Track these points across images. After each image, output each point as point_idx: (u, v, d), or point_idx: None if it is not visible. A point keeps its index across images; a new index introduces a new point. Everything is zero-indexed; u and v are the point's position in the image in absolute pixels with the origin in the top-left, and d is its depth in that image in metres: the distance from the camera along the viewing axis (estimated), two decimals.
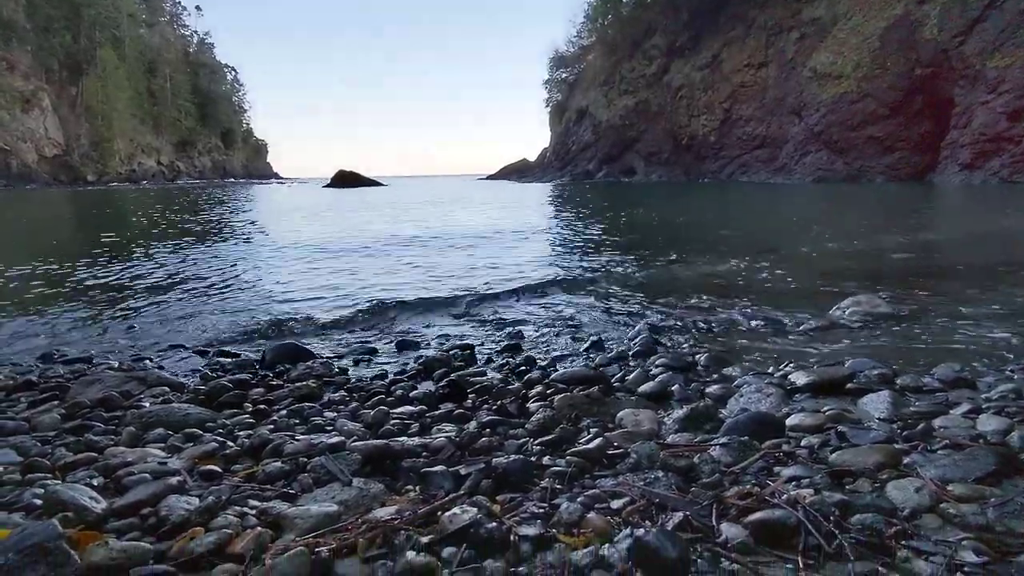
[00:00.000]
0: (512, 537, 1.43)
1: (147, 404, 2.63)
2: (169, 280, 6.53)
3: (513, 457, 1.90)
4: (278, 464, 1.93)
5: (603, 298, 5.32)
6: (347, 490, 1.73)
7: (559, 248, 9.70)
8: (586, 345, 3.70)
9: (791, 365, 3.03)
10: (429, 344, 3.91)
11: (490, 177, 74.94)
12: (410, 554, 1.37)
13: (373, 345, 3.88)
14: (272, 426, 2.38)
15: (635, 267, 7.07)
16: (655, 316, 4.50)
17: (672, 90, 50.07)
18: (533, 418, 2.33)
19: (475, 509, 1.53)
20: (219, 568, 1.35)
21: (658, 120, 51.15)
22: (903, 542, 1.39)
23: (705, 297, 5.08)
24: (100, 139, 64.06)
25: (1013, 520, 1.46)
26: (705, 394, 2.66)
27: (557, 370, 3.06)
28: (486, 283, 6.10)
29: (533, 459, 1.94)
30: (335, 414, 2.52)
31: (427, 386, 2.89)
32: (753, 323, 4.13)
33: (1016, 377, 2.77)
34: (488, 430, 2.25)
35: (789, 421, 2.23)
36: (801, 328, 3.94)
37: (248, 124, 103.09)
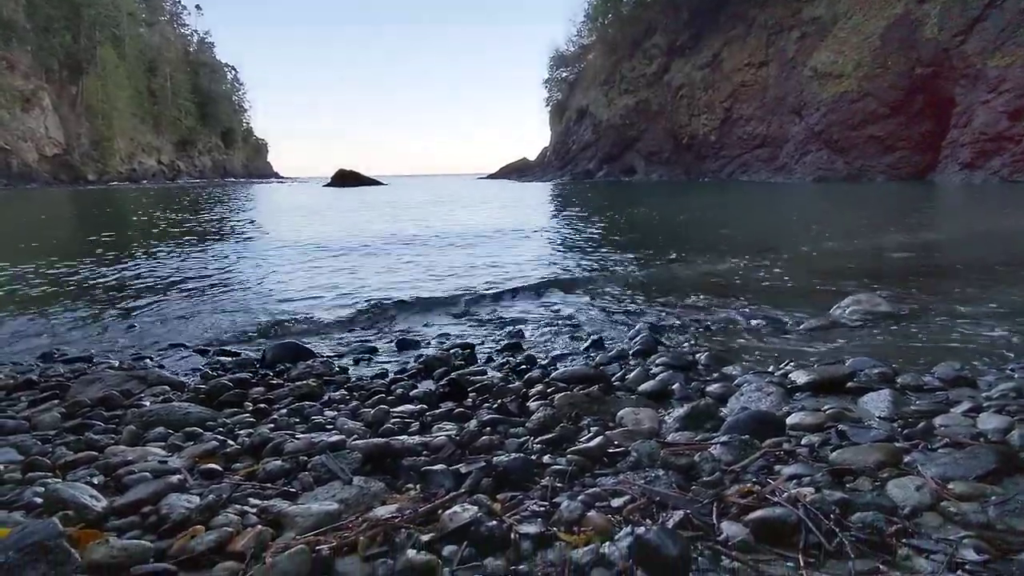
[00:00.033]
0: (513, 535, 1.43)
1: (147, 403, 2.63)
2: (169, 279, 6.53)
3: (514, 455, 1.90)
4: (278, 462, 1.93)
5: (603, 297, 5.32)
6: (348, 488, 1.73)
7: (559, 247, 9.70)
8: (586, 344, 3.70)
9: (791, 364, 3.03)
10: (429, 343, 3.91)
11: (490, 176, 74.97)
12: (411, 552, 1.37)
13: (373, 344, 3.88)
14: (272, 425, 2.38)
15: (635, 266, 7.07)
16: (655, 315, 4.50)
17: (672, 89, 50.06)
18: (533, 417, 2.33)
19: (476, 507, 1.53)
20: (220, 566, 1.35)
21: (658, 119, 51.15)
22: (904, 540, 1.39)
23: (705, 296, 5.07)
24: (100, 138, 64.06)
25: (1014, 518, 1.46)
26: (705, 393, 2.66)
27: (557, 369, 3.06)
28: (486, 282, 6.10)
29: (534, 457, 1.94)
30: (335, 413, 2.52)
31: (427, 385, 2.89)
32: (753, 322, 4.13)
33: (1016, 376, 2.77)
34: (488, 429, 2.25)
35: (790, 420, 2.23)
36: (801, 327, 3.94)
37: (248, 123, 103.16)
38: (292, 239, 10.67)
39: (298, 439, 2.12)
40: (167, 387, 2.89)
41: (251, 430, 2.30)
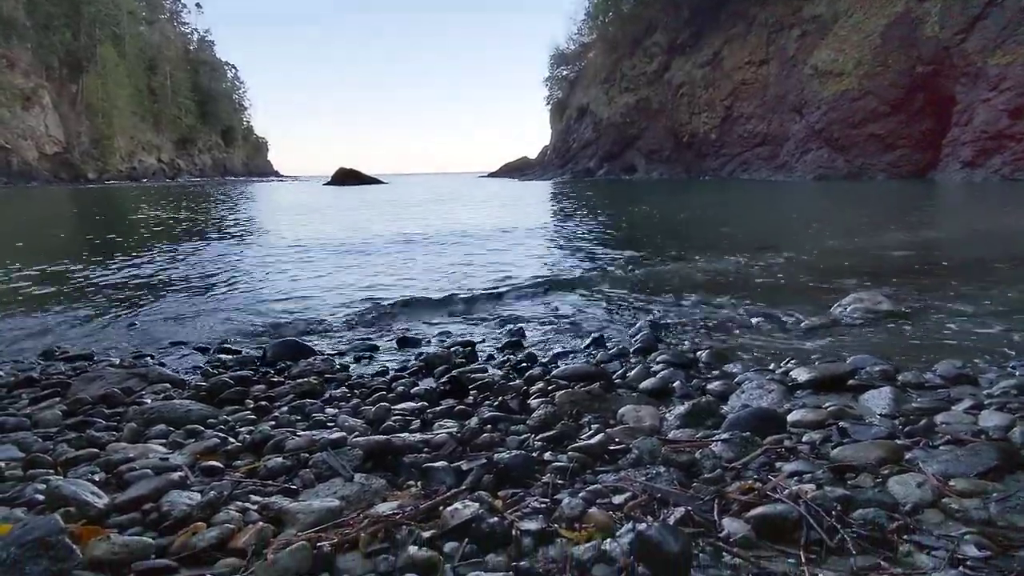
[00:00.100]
0: (514, 532, 1.43)
1: (148, 400, 2.63)
2: (169, 278, 6.53)
3: (515, 453, 1.90)
4: (279, 460, 1.93)
5: (604, 295, 5.32)
6: (349, 485, 1.73)
7: (560, 246, 9.70)
8: (587, 342, 3.70)
9: (792, 362, 3.03)
10: (430, 341, 3.91)
11: (491, 175, 74.97)
12: (412, 549, 1.37)
13: (374, 342, 3.88)
14: (273, 422, 2.38)
15: (636, 264, 7.06)
16: (656, 313, 4.50)
17: (673, 87, 50.03)
18: (534, 414, 2.33)
19: (477, 504, 1.53)
20: (221, 562, 1.36)
21: (659, 118, 51.12)
22: (905, 536, 1.39)
23: (706, 294, 5.07)
24: (100, 136, 64.09)
25: (1015, 515, 1.46)
26: (706, 390, 2.66)
27: (558, 367, 3.06)
28: (487, 281, 6.10)
29: (535, 455, 1.94)
30: (336, 410, 2.52)
31: (428, 383, 2.89)
32: (754, 320, 4.13)
33: (1018, 373, 2.77)
34: (489, 426, 2.25)
35: (791, 417, 2.23)
36: (802, 325, 3.94)
37: (248, 122, 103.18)
38: (292, 238, 10.67)
39: (299, 436, 2.12)
40: (168, 385, 2.89)
41: (252, 427, 2.30)
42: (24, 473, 1.86)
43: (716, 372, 3.00)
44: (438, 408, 2.50)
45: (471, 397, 2.66)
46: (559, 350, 3.56)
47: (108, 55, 66.24)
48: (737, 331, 3.90)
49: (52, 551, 1.25)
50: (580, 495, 1.61)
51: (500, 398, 2.58)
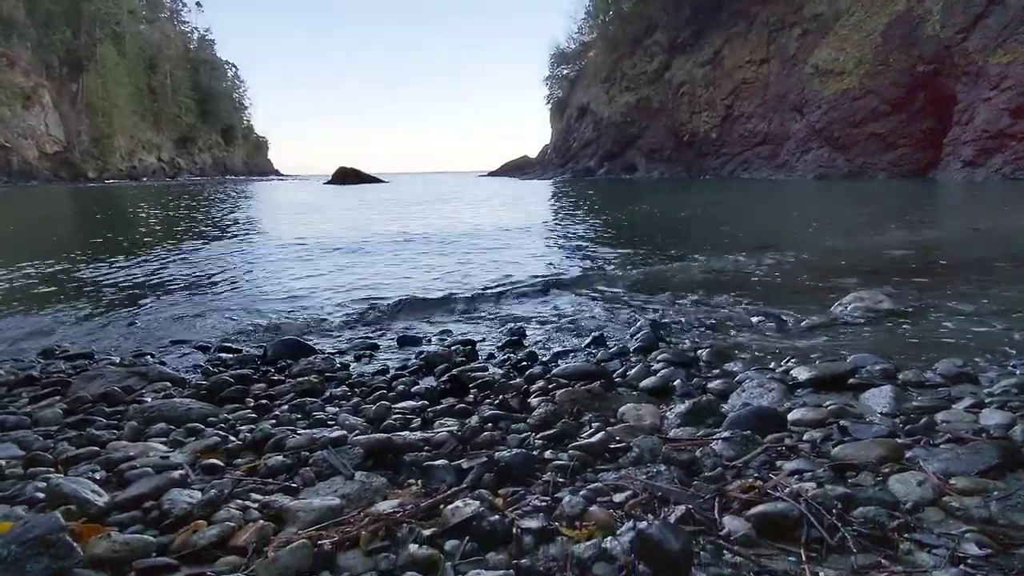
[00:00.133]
0: (515, 530, 1.43)
1: (149, 399, 2.63)
2: (169, 277, 6.53)
3: (515, 451, 1.90)
4: (280, 458, 1.93)
5: (604, 294, 5.32)
6: (349, 484, 1.73)
7: (560, 245, 9.69)
8: (587, 341, 3.70)
9: (793, 360, 3.03)
10: (430, 340, 3.91)
11: (491, 174, 74.90)
12: (413, 547, 1.37)
13: (374, 341, 3.88)
14: (274, 421, 2.38)
15: (636, 263, 7.06)
16: (656, 312, 4.49)
17: (673, 87, 50.01)
18: (535, 413, 2.33)
19: (477, 502, 1.53)
20: (222, 560, 1.36)
21: (659, 117, 51.10)
22: (906, 535, 1.39)
23: (706, 293, 5.07)
24: (101, 136, 64.09)
25: (1016, 513, 1.46)
26: (707, 389, 2.66)
27: (558, 365, 3.06)
28: (487, 280, 6.10)
29: (535, 453, 1.94)
30: (337, 409, 2.52)
31: (428, 381, 2.89)
32: (755, 319, 4.13)
33: (1018, 372, 2.77)
34: (490, 424, 2.25)
35: (791, 415, 2.23)
36: (803, 324, 3.94)
37: (248, 121, 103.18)
38: (293, 237, 10.66)
39: (300, 435, 2.12)
40: (168, 383, 2.89)
41: (253, 426, 2.30)
42: (24, 471, 1.86)
43: (717, 371, 2.99)
44: (439, 407, 2.50)
45: (472, 396, 2.66)
46: (559, 349, 3.56)
47: (108, 54, 66.24)
48: (737, 330, 3.90)
49: (53, 549, 1.25)
50: (581, 493, 1.61)
51: (501, 397, 2.58)
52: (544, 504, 1.58)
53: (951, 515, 1.48)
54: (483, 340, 3.86)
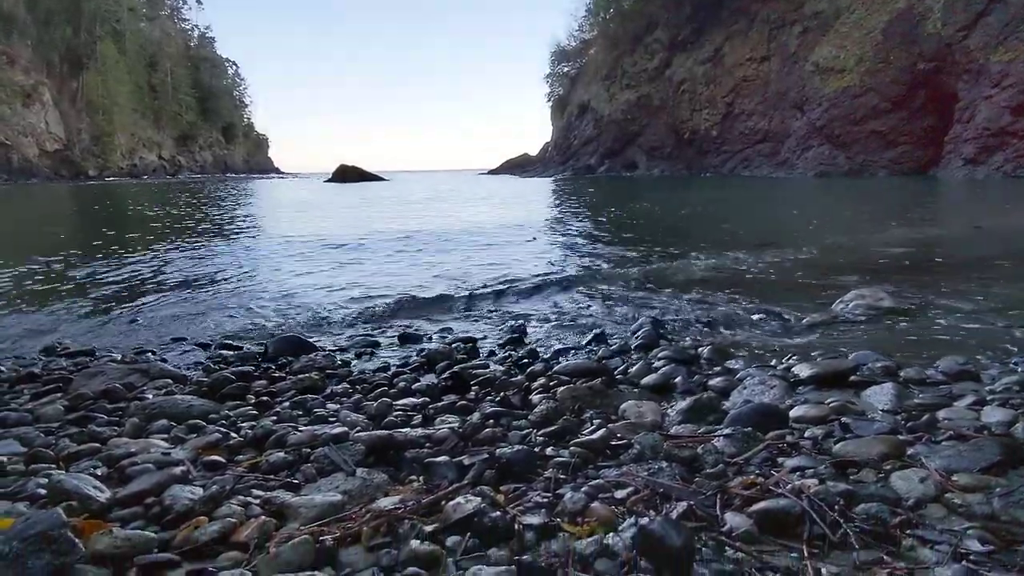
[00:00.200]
0: (516, 526, 1.43)
1: (150, 396, 2.63)
2: (170, 275, 6.53)
3: (517, 447, 1.90)
4: (281, 454, 1.93)
5: (605, 292, 5.31)
6: (351, 480, 1.73)
7: (560, 243, 9.69)
8: (588, 338, 3.70)
9: (794, 358, 3.03)
10: (431, 338, 3.90)
11: (491, 172, 74.86)
12: (414, 542, 1.37)
13: (375, 338, 3.88)
14: (275, 417, 2.38)
15: (637, 261, 7.06)
16: (657, 310, 4.49)
17: (674, 84, 49.96)
18: (536, 409, 2.33)
19: (479, 499, 1.53)
20: (224, 556, 1.36)
21: (660, 114, 51.06)
22: (908, 531, 1.39)
23: (707, 291, 5.07)
24: (101, 133, 64.02)
25: (1018, 510, 1.45)
26: (708, 386, 2.66)
27: (560, 363, 3.06)
28: (487, 278, 6.09)
29: (536, 450, 1.94)
30: (338, 406, 2.52)
31: (430, 378, 2.89)
32: (756, 316, 4.13)
33: (1020, 369, 2.77)
34: (491, 421, 2.25)
35: (793, 412, 2.23)
36: (804, 321, 3.93)
37: (249, 119, 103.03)
38: (293, 236, 10.66)
39: (301, 431, 2.12)
40: (169, 380, 2.89)
41: (254, 423, 2.30)
42: (26, 468, 1.87)
43: (718, 368, 2.99)
44: (440, 403, 2.51)
45: (473, 393, 2.66)
46: (560, 346, 3.56)
47: (108, 52, 66.14)
48: (738, 327, 3.90)
49: (54, 545, 1.24)
50: (582, 490, 1.61)
51: (502, 394, 2.58)
52: (546, 500, 1.58)
53: (953, 512, 1.48)
54: (484, 338, 3.86)
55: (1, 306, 4.90)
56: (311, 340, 3.67)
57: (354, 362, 3.35)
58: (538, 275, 6.11)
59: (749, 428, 2.02)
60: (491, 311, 4.72)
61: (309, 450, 1.95)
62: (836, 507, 1.45)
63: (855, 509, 1.46)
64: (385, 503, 1.57)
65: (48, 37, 60.33)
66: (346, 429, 2.13)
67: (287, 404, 2.55)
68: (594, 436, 2.01)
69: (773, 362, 3.04)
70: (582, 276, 6.11)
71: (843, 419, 2.11)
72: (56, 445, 2.06)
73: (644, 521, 1.35)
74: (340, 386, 2.82)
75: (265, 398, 2.64)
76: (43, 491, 1.64)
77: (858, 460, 1.76)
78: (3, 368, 3.09)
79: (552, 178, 49.99)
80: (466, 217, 14.64)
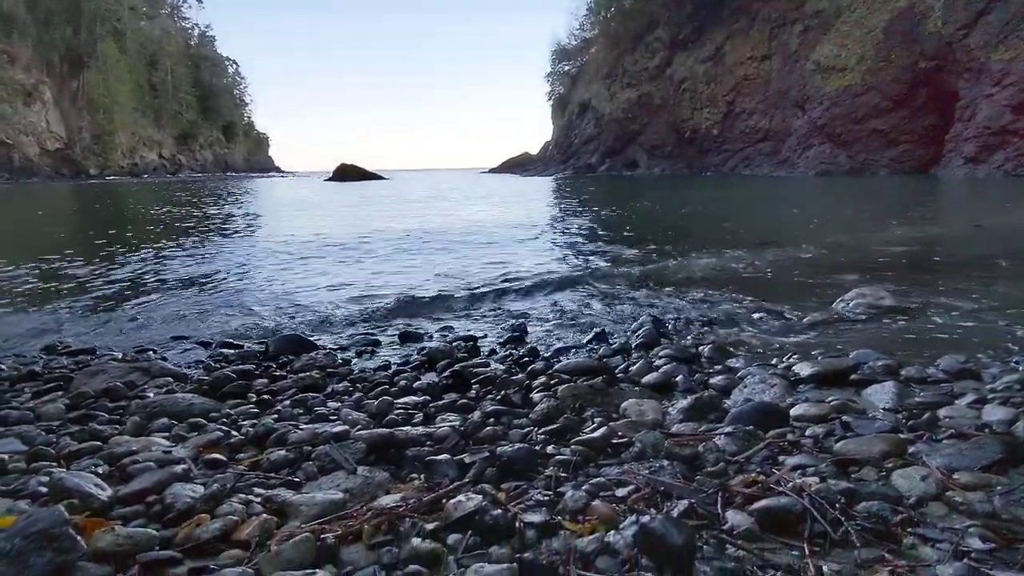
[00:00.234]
0: (517, 524, 1.43)
1: (151, 394, 2.63)
2: (171, 274, 6.53)
3: (518, 446, 1.90)
4: (282, 453, 1.93)
5: (605, 291, 5.31)
6: (352, 478, 1.73)
7: (561, 242, 9.69)
8: (589, 337, 3.70)
9: (795, 356, 3.02)
10: (432, 336, 3.90)
11: (492, 170, 74.85)
12: (415, 540, 1.37)
13: (376, 337, 3.88)
14: (276, 416, 2.38)
15: (638, 260, 7.05)
16: (658, 308, 4.49)
17: (675, 83, 49.90)
18: (537, 408, 2.33)
19: (480, 497, 1.53)
20: (225, 554, 1.36)
21: (661, 113, 51.01)
22: (909, 529, 1.39)
23: (708, 290, 5.07)
24: (102, 132, 64.03)
25: (1020, 508, 1.45)
26: (709, 385, 2.66)
27: (560, 361, 3.05)
28: (488, 277, 6.09)
29: (537, 448, 1.94)
30: (339, 404, 2.52)
31: (430, 377, 2.88)
32: (756, 315, 4.12)
33: (1021, 368, 2.76)
34: (492, 419, 2.25)
35: (794, 411, 2.23)
36: (805, 320, 3.93)
37: (249, 117, 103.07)
38: (293, 235, 10.66)
39: (302, 430, 2.12)
40: (170, 379, 2.89)
41: (255, 421, 2.30)
42: (27, 466, 1.87)
43: (718, 367, 2.99)
44: (440, 402, 2.51)
45: (473, 391, 2.66)
46: (561, 345, 3.56)
47: (109, 50, 66.13)
48: (739, 326, 3.89)
49: (56, 542, 1.25)
50: (583, 488, 1.61)
51: (503, 392, 2.58)
52: (546, 498, 1.58)
53: (954, 510, 1.48)
54: (485, 336, 3.86)
55: (2, 304, 4.90)
56: (312, 339, 3.68)
57: (355, 361, 3.35)
58: (538, 274, 6.11)
59: (750, 426, 2.02)
60: (492, 310, 4.72)
61: (310, 448, 1.95)
62: (837, 505, 1.45)
63: (856, 507, 1.46)
64: (386, 501, 1.58)
65: (48, 36, 60.31)
66: (347, 427, 2.13)
67: (288, 402, 2.55)
68: (595, 434, 2.01)
69: (774, 361, 3.04)
70: (583, 275, 6.10)
71: (844, 417, 2.11)
72: (57, 443, 2.06)
73: (645, 519, 1.35)
74: (341, 384, 2.82)
75: (266, 396, 2.64)
76: (44, 489, 1.64)
77: (859, 458, 1.76)
78: (4, 366, 3.09)
79: (553, 177, 49.96)
80: (466, 216, 14.64)
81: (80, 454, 1.96)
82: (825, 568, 1.27)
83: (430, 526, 1.44)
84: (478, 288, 5.44)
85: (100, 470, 1.82)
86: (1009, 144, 27.14)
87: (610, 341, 3.59)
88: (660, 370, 2.83)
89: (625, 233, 10.52)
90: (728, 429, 2.01)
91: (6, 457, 1.90)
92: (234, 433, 2.16)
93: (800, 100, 39.21)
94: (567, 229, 11.54)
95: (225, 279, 6.25)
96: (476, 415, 2.30)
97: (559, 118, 66.92)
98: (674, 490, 1.59)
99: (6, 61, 54.26)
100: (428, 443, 2.02)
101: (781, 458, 1.83)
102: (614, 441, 1.98)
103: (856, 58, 35.23)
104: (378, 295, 5.21)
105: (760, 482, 1.61)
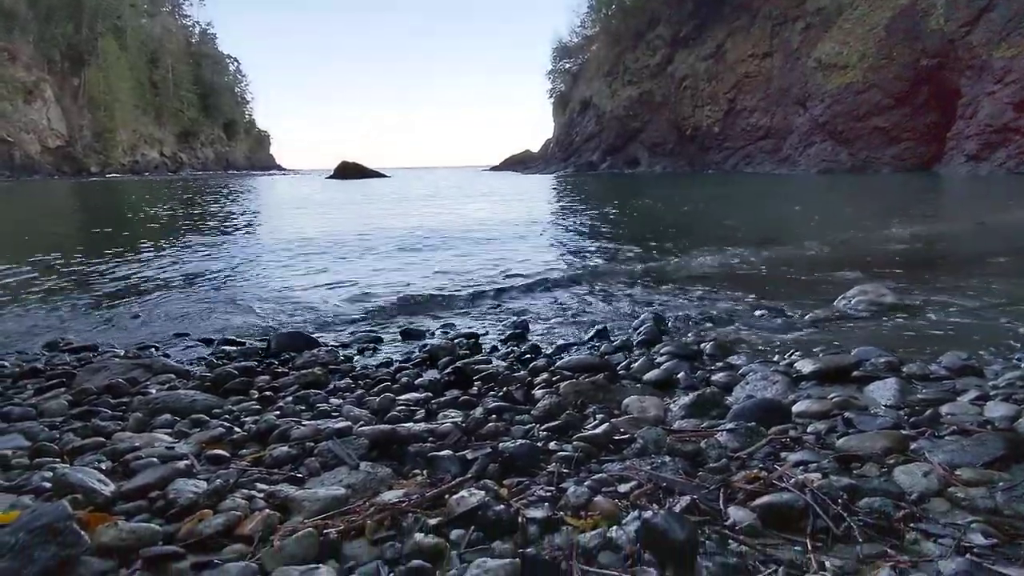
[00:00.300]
0: (520, 519, 1.43)
1: (153, 391, 2.64)
2: (173, 272, 6.54)
3: (520, 442, 1.90)
4: (285, 449, 1.94)
5: (607, 288, 5.31)
6: (354, 474, 1.73)
7: (562, 239, 9.68)
8: (591, 334, 3.70)
9: (796, 353, 3.02)
10: (433, 333, 3.91)
11: (493, 168, 74.75)
12: (418, 536, 1.37)
13: (378, 334, 3.88)
14: (278, 412, 2.38)
15: (639, 258, 7.05)
16: (659, 306, 4.49)
17: (676, 80, 49.79)
18: (539, 404, 2.33)
19: (482, 492, 1.54)
20: (228, 549, 1.36)
21: (662, 111, 50.91)
22: (911, 525, 1.39)
23: (709, 287, 5.07)
24: (103, 130, 64.03)
25: (1021, 504, 1.45)
26: (711, 382, 2.66)
27: (562, 358, 3.05)
28: (489, 274, 6.09)
29: (539, 444, 1.94)
30: (341, 401, 2.53)
31: (432, 374, 2.89)
32: (758, 312, 4.12)
33: (1023, 365, 2.76)
34: (494, 416, 2.25)
35: (795, 407, 2.23)
36: (806, 317, 3.93)
37: (251, 115, 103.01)
38: (295, 232, 10.67)
39: (304, 426, 2.13)
40: (173, 375, 2.89)
41: (257, 417, 2.30)
42: (31, 462, 1.87)
43: (720, 364, 2.99)
44: (443, 398, 2.51)
45: (475, 388, 2.66)
46: (563, 342, 3.56)
47: (110, 48, 66.09)
48: (741, 323, 3.89)
49: (60, 537, 1.25)
50: (586, 484, 1.61)
51: (504, 389, 2.58)
52: (549, 494, 1.58)
53: (957, 505, 1.48)
54: (486, 333, 3.86)
55: (4, 302, 4.91)
56: (314, 336, 3.68)
57: (357, 358, 3.36)
58: (540, 271, 6.11)
59: (752, 423, 2.02)
60: (493, 307, 4.72)
61: (313, 444, 1.96)
62: (839, 501, 1.45)
63: (858, 503, 1.46)
64: (389, 497, 1.58)
65: (49, 33, 60.31)
66: (350, 423, 2.13)
67: (290, 399, 2.55)
68: (597, 431, 2.01)
69: (776, 358, 3.04)
70: (584, 272, 6.11)
71: (846, 414, 2.11)
72: (60, 439, 2.07)
73: (648, 515, 1.36)
74: (343, 381, 2.83)
75: (268, 393, 2.64)
76: (48, 485, 1.64)
77: (861, 454, 1.76)
78: (7, 363, 3.10)
79: (554, 175, 49.91)
80: (467, 213, 14.63)
81: (83, 450, 1.97)
82: (827, 563, 1.27)
83: (433, 521, 1.44)
84: (479, 286, 5.45)
85: (103, 466, 1.82)
86: (1011, 142, 27.07)
87: (611, 338, 3.59)
88: (662, 367, 2.83)
89: (626, 231, 10.51)
90: (730, 425, 2.01)
91: (9, 453, 1.91)
92: (237, 429, 2.16)
93: (801, 98, 39.14)
94: (568, 227, 11.53)
95: (227, 277, 6.25)
96: (478, 411, 2.30)
97: (560, 116, 66.79)
98: (676, 486, 1.59)
99: (7, 59, 54.26)
100: (430, 439, 2.02)
101: (783, 454, 1.83)
102: (616, 437, 1.98)
103: (858, 55, 35.13)
104: (379, 293, 5.21)
105: (762, 478, 1.61)
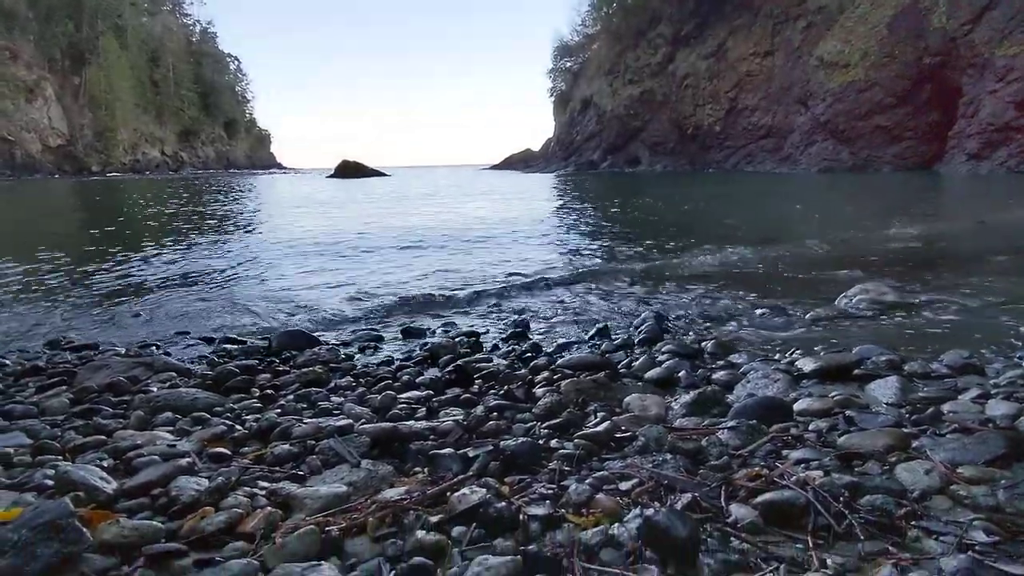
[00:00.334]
0: (521, 517, 1.43)
1: (155, 389, 2.64)
2: (174, 271, 6.54)
3: (521, 440, 1.90)
4: (286, 446, 1.94)
5: (608, 287, 5.31)
6: (356, 471, 1.74)
7: (563, 238, 9.68)
8: (592, 332, 3.70)
9: (798, 351, 3.02)
10: (435, 332, 3.91)
11: (494, 167, 74.73)
12: (420, 533, 1.37)
13: (379, 333, 3.89)
14: (280, 410, 2.39)
15: (640, 256, 7.05)
16: (660, 304, 4.49)
17: (677, 79, 49.73)
18: (540, 403, 2.33)
19: (484, 490, 1.54)
20: (230, 546, 1.36)
21: (663, 110, 50.84)
22: (913, 522, 1.39)
23: (710, 286, 5.06)
24: (104, 129, 64.06)
25: (1023, 501, 1.45)
26: (712, 380, 2.66)
27: (563, 356, 3.05)
28: (490, 273, 6.09)
29: (541, 442, 1.94)
30: (342, 399, 2.53)
31: (433, 372, 2.89)
32: (759, 311, 4.12)
33: None
34: (495, 414, 2.25)
35: (797, 406, 2.23)
36: (807, 316, 3.93)
37: (251, 114, 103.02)
38: (295, 232, 10.67)
39: (306, 424, 2.13)
40: (174, 374, 2.90)
41: (258, 415, 2.31)
42: (33, 459, 1.88)
43: (721, 362, 2.99)
44: (444, 396, 2.51)
45: (476, 386, 2.66)
46: (564, 340, 3.56)
47: (110, 47, 66.08)
48: (742, 322, 3.89)
49: (63, 534, 1.25)
50: (587, 481, 1.61)
51: (506, 387, 2.58)
52: (550, 492, 1.58)
53: (958, 503, 1.48)
54: (487, 332, 3.87)
55: (6, 300, 4.91)
56: (315, 334, 3.68)
57: (358, 356, 3.36)
58: (540, 270, 6.11)
59: (753, 421, 2.02)
60: (494, 306, 4.72)
61: (314, 442, 1.96)
62: (841, 498, 1.45)
63: (860, 501, 1.47)
64: (390, 494, 1.58)
65: (50, 32, 60.32)
66: (351, 421, 2.14)
67: (291, 397, 2.55)
68: (598, 429, 2.01)
69: (777, 356, 3.04)
70: (585, 271, 6.10)
71: (847, 412, 2.11)
72: (62, 437, 2.07)
73: (649, 512, 1.36)
74: (344, 380, 2.83)
75: (269, 391, 2.65)
76: (50, 482, 1.65)
77: (863, 452, 1.76)
78: (8, 361, 3.10)
79: (554, 173, 49.89)
80: (468, 212, 14.63)
81: (85, 448, 1.97)
82: (829, 561, 1.27)
83: (434, 519, 1.44)
84: (480, 284, 5.45)
85: (105, 463, 1.83)
86: (1012, 141, 27.01)
87: (612, 337, 3.59)
88: (663, 365, 2.83)
89: (627, 230, 10.51)
90: (731, 423, 2.01)
91: (12, 451, 1.91)
92: (238, 427, 2.16)
93: (803, 96, 39.08)
94: (569, 226, 11.53)
95: (228, 276, 6.26)
96: (479, 409, 2.31)
97: (561, 115, 66.71)
98: (678, 484, 1.59)
99: (8, 58, 54.28)
100: (432, 437, 2.02)
101: (785, 452, 1.83)
102: (617, 435, 1.98)
103: (859, 54, 35.07)
104: (380, 291, 5.21)
105: (764, 476, 1.61)
